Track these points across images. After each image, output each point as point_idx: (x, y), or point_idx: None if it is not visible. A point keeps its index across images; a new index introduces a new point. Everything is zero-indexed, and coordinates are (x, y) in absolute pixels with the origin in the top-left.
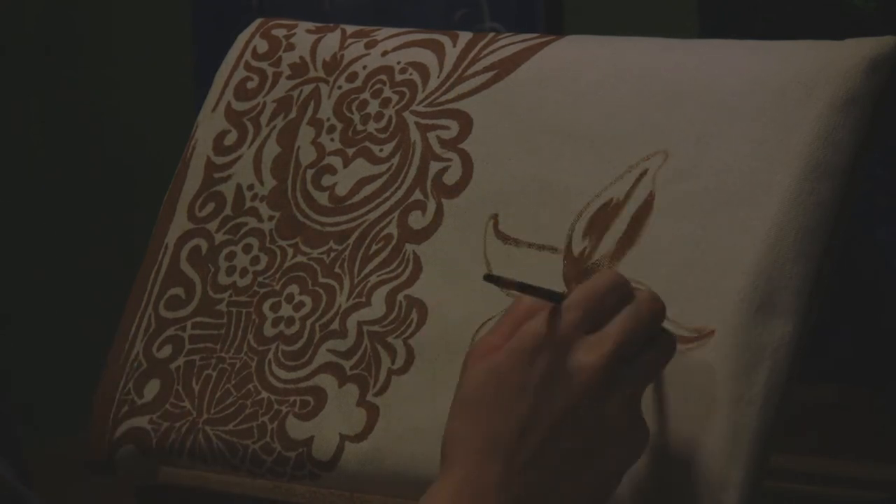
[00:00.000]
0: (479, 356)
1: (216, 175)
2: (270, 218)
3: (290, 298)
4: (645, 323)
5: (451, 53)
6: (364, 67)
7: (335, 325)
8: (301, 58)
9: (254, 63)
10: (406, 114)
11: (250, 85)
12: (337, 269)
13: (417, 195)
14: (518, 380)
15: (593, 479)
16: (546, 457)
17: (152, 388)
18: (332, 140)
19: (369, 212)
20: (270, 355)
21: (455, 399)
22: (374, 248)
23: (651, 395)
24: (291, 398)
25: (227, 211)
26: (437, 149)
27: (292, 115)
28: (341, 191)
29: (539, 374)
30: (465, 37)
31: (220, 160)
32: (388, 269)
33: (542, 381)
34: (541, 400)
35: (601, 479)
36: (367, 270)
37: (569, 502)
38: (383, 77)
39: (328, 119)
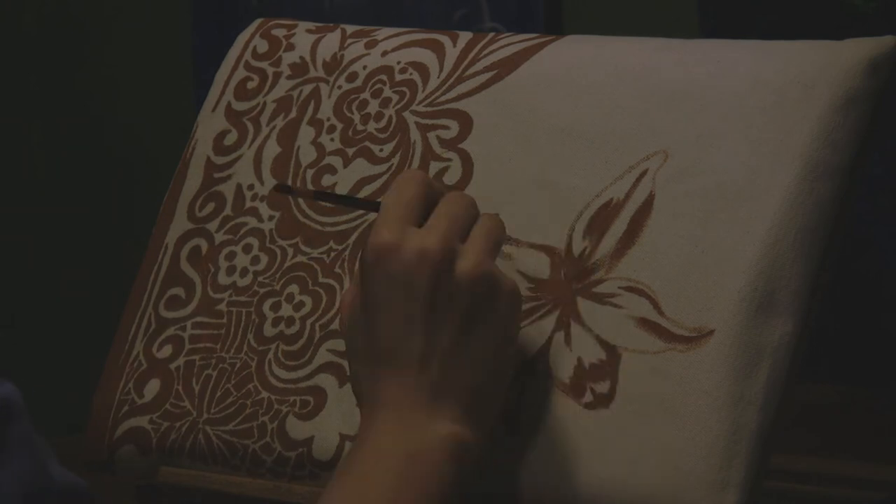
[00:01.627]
0: (342, 311)
1: (216, 175)
2: (270, 218)
3: (290, 298)
4: (462, 205)
5: (451, 53)
6: (364, 67)
7: (335, 325)
8: (301, 58)
9: (254, 63)
10: (406, 114)
11: (250, 85)
12: (337, 269)
13: None
14: (376, 293)
15: (487, 344)
16: (434, 345)
17: (152, 388)
18: (332, 140)
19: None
20: (270, 355)
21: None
22: None
23: (650, 395)
24: (291, 398)
25: (227, 211)
26: (438, 149)
27: (292, 114)
28: (341, 191)
29: (390, 277)
30: (465, 37)
31: (220, 160)
32: None
33: (394, 281)
34: (402, 299)
35: (495, 342)
36: None
37: (479, 374)
38: (383, 77)
39: (328, 119)
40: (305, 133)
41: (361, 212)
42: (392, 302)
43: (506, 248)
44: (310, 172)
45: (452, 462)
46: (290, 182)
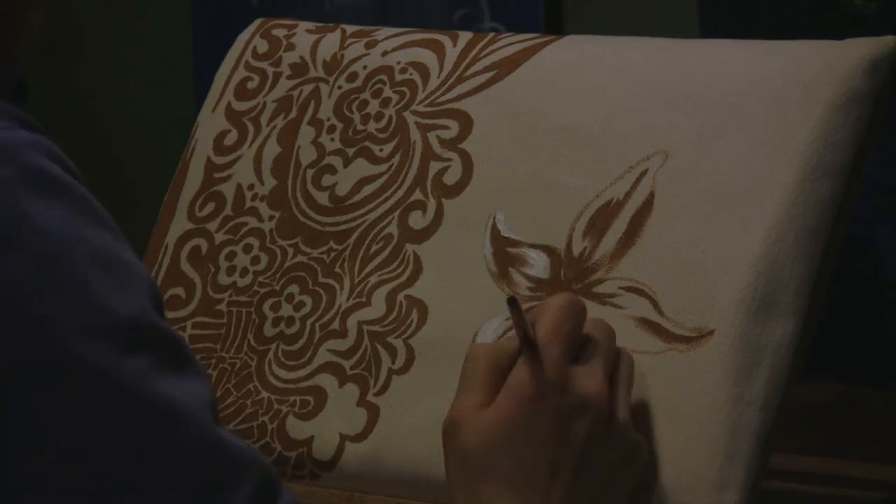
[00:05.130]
0: (465, 423)
1: (216, 175)
2: (271, 218)
3: (290, 298)
4: (612, 347)
5: (452, 53)
6: (364, 67)
7: (335, 325)
8: (301, 58)
9: (254, 63)
10: (406, 113)
11: (250, 85)
12: (337, 269)
13: (418, 195)
14: (529, 429)
15: (616, 499)
16: (576, 494)
17: None
18: (332, 140)
19: (369, 212)
20: (270, 355)
21: (458, 472)
22: (374, 247)
23: (650, 395)
24: (291, 398)
25: (228, 211)
26: (438, 149)
27: (292, 114)
28: (341, 191)
29: (549, 416)
30: (465, 37)
31: (220, 160)
32: (388, 269)
33: (555, 422)
34: (558, 442)
35: (621, 497)
36: (367, 270)
37: None
38: (383, 77)
39: (328, 119)
40: (305, 133)
41: (361, 212)
42: (546, 441)
43: (510, 250)
44: (310, 172)
45: None
46: (290, 181)
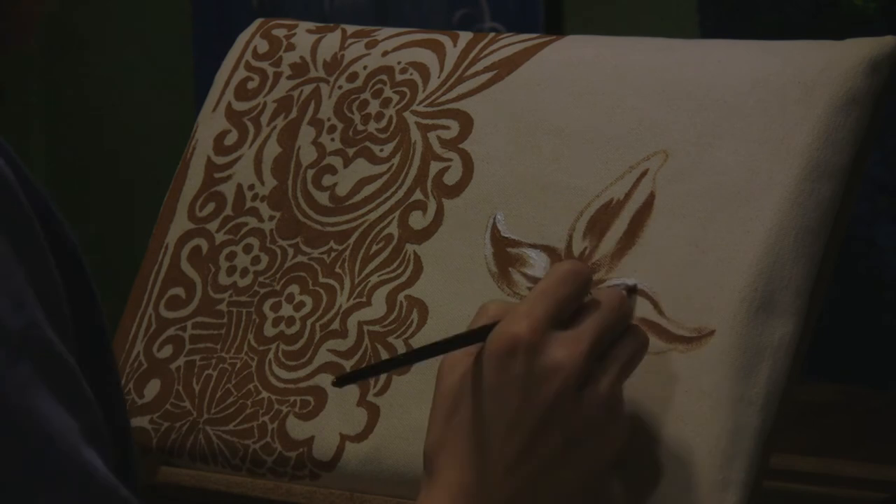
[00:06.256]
0: (450, 367)
1: (216, 175)
2: (271, 218)
3: (290, 298)
4: (615, 319)
5: (452, 53)
6: (364, 67)
7: (336, 325)
8: (301, 58)
9: (254, 63)
10: (406, 114)
11: (251, 85)
12: (337, 269)
13: (418, 195)
14: (496, 384)
15: (577, 473)
16: (530, 456)
17: (153, 388)
18: (332, 140)
19: (370, 212)
20: (271, 355)
21: (432, 411)
22: (374, 248)
23: (651, 395)
24: (292, 398)
25: (228, 211)
26: (438, 149)
27: (293, 114)
28: (342, 191)
29: (516, 376)
30: (465, 37)
31: (220, 160)
32: (388, 269)
33: (519, 382)
34: (520, 401)
35: (585, 473)
36: (367, 270)
37: (557, 499)
38: (384, 77)
39: (328, 119)
40: (306, 133)
41: (362, 212)
42: (507, 400)
43: (510, 250)
44: (310, 172)
45: None
46: (290, 181)
